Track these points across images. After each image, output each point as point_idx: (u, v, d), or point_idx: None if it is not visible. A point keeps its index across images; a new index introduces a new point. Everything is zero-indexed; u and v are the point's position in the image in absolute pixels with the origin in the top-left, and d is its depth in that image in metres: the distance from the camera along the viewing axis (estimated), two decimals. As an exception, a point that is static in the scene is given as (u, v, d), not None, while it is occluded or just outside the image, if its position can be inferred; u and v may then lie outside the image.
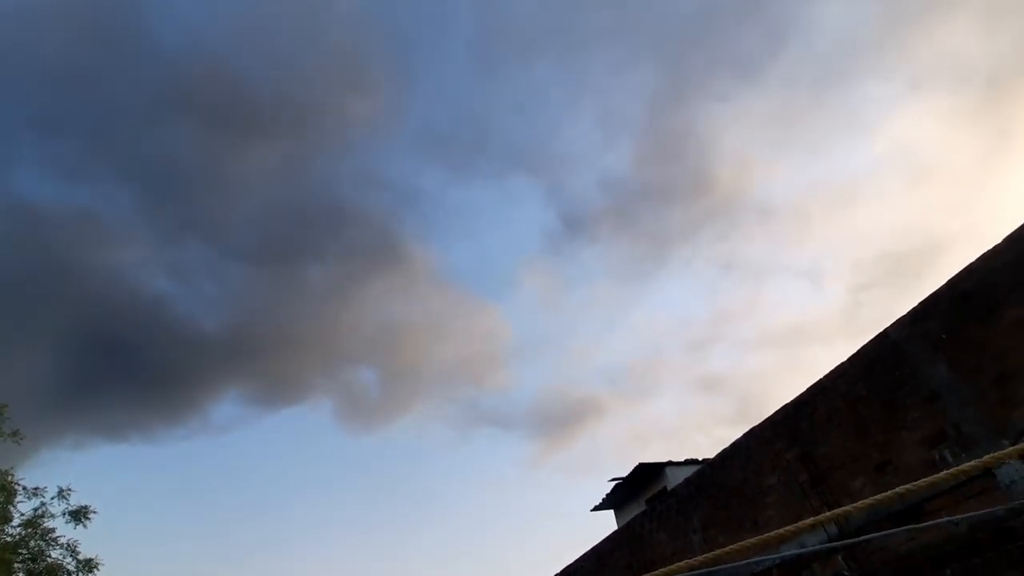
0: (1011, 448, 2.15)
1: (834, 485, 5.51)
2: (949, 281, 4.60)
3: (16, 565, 10.66)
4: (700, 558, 2.62)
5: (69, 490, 12.10)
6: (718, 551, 2.56)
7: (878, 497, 1.82)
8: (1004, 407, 4.11)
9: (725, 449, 7.48)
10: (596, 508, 13.90)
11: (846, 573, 5.21)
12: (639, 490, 12.72)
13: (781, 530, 1.74)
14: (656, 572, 2.80)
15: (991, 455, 2.13)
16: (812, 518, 1.81)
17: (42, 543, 11.40)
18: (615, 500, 13.43)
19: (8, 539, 10.98)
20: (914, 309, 4.88)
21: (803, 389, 6.08)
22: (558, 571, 13.03)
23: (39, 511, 11.70)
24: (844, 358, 5.60)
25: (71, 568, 11.49)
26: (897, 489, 1.85)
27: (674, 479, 11.20)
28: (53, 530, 11.63)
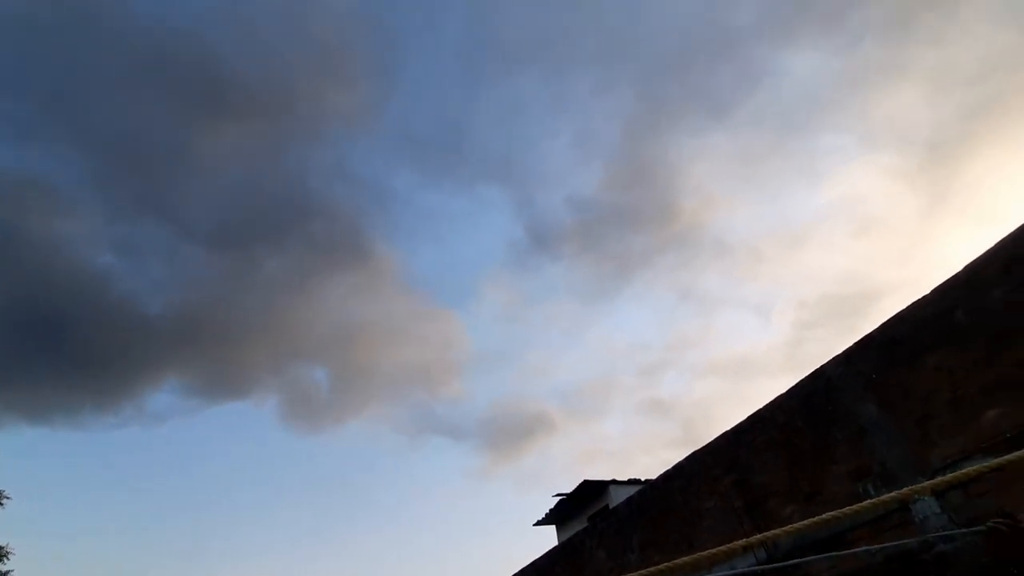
0: (926, 483, 2.34)
1: (767, 512, 5.75)
2: (881, 325, 4.92)
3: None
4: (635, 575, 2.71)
5: (-20, 475, 11.30)
6: (652, 568, 2.66)
7: (805, 523, 1.95)
8: (924, 446, 4.41)
9: (667, 471, 7.68)
10: (539, 523, 13.95)
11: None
12: (582, 507, 12.85)
13: (713, 550, 1.84)
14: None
15: (908, 488, 2.31)
16: (744, 540, 1.92)
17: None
18: (559, 515, 13.52)
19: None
20: (849, 349, 5.19)
21: (743, 418, 6.35)
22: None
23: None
24: (784, 390, 5.89)
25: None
26: (824, 516, 1.98)
27: (617, 498, 11.38)
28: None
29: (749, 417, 6.25)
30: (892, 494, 2.24)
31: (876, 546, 3.98)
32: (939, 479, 2.75)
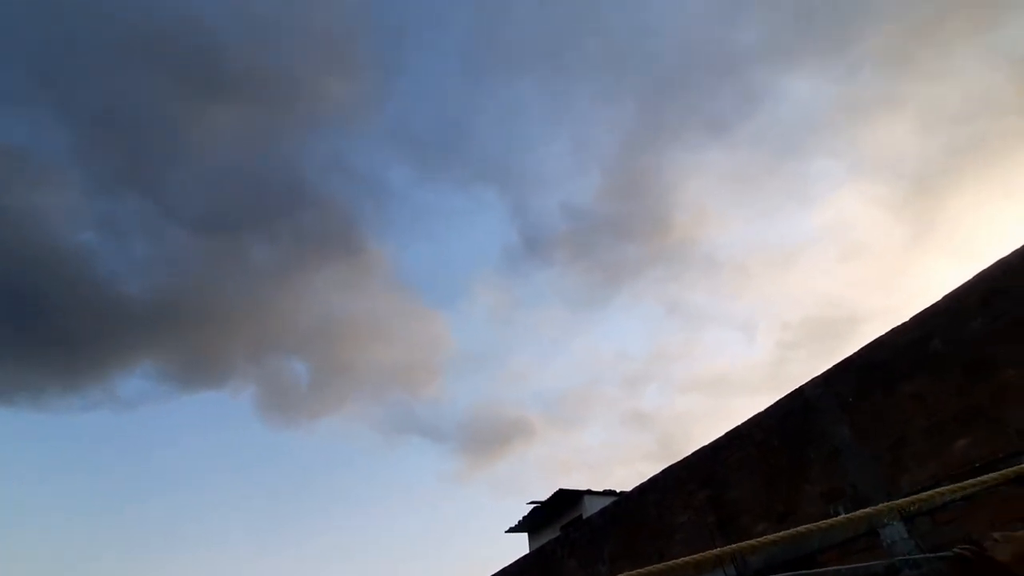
0: (892, 503, 2.37)
1: (740, 528, 5.78)
2: (861, 350, 5.00)
3: None
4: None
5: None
6: (624, 577, 2.66)
7: (776, 535, 1.96)
8: (896, 471, 4.47)
9: (642, 483, 7.70)
10: (511, 530, 13.88)
11: (739, 614, 5.45)
12: (556, 516, 12.82)
13: (682, 560, 1.84)
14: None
15: (875, 507, 2.34)
16: (717, 549, 1.93)
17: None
18: (532, 523, 13.47)
19: None
20: (828, 371, 5.25)
21: (721, 434, 6.39)
22: (464, 590, 12.88)
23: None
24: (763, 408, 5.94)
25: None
26: (794, 530, 2.00)
27: (591, 508, 11.38)
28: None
29: (727, 433, 6.29)
30: (862, 512, 2.27)
31: (845, 567, 4.02)
32: (906, 500, 2.79)
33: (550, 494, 12.18)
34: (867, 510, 2.21)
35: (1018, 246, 4.09)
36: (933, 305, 4.50)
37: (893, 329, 4.76)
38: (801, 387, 5.49)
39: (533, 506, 12.84)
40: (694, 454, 6.77)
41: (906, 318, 4.69)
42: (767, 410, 5.86)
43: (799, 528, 1.91)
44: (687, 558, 1.90)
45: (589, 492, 12.00)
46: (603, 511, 8.62)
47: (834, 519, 2.14)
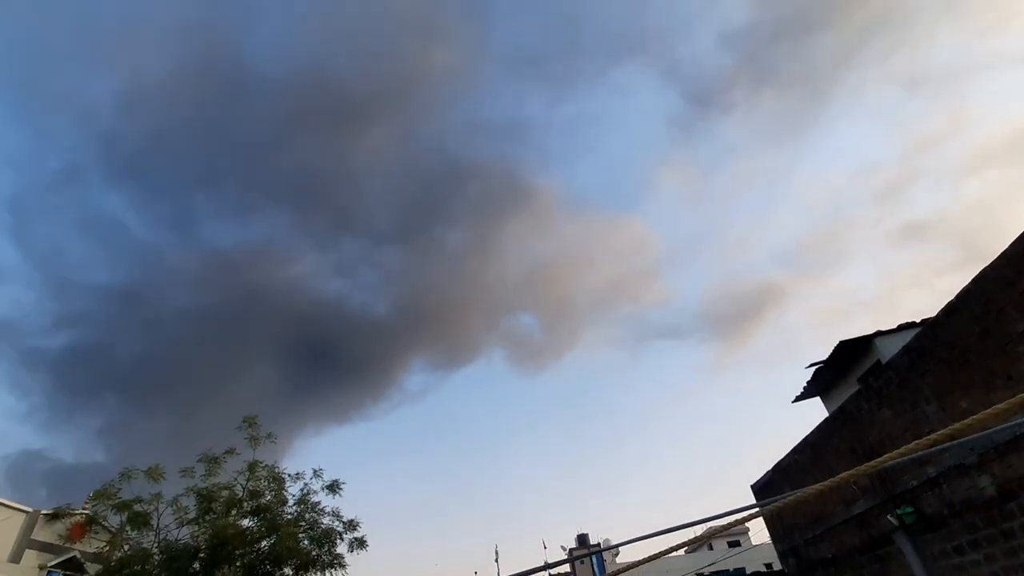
0: None
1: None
2: None
3: (300, 535, 13.10)
4: (947, 430, 2.05)
5: (321, 469, 14.54)
6: (970, 419, 1.98)
7: None
8: None
9: (950, 302, 6.21)
10: (798, 398, 12.82)
11: None
12: (846, 370, 11.41)
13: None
14: (892, 453, 2.29)
15: None
16: None
17: (314, 514, 13.83)
18: (819, 386, 12.24)
19: (289, 516, 13.51)
20: None
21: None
22: (765, 471, 12.40)
23: (304, 490, 14.19)
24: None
25: (340, 529, 13.81)
26: None
27: (888, 351, 9.79)
28: (319, 503, 14.04)
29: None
30: None
31: None
32: None
33: (830, 350, 10.81)
34: None
35: None
36: None
37: None
38: None
39: (815, 367, 11.58)
40: (1016, 243, 5.16)
41: None
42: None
43: None
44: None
45: (879, 333, 10.29)
46: (906, 348, 7.25)
47: None
